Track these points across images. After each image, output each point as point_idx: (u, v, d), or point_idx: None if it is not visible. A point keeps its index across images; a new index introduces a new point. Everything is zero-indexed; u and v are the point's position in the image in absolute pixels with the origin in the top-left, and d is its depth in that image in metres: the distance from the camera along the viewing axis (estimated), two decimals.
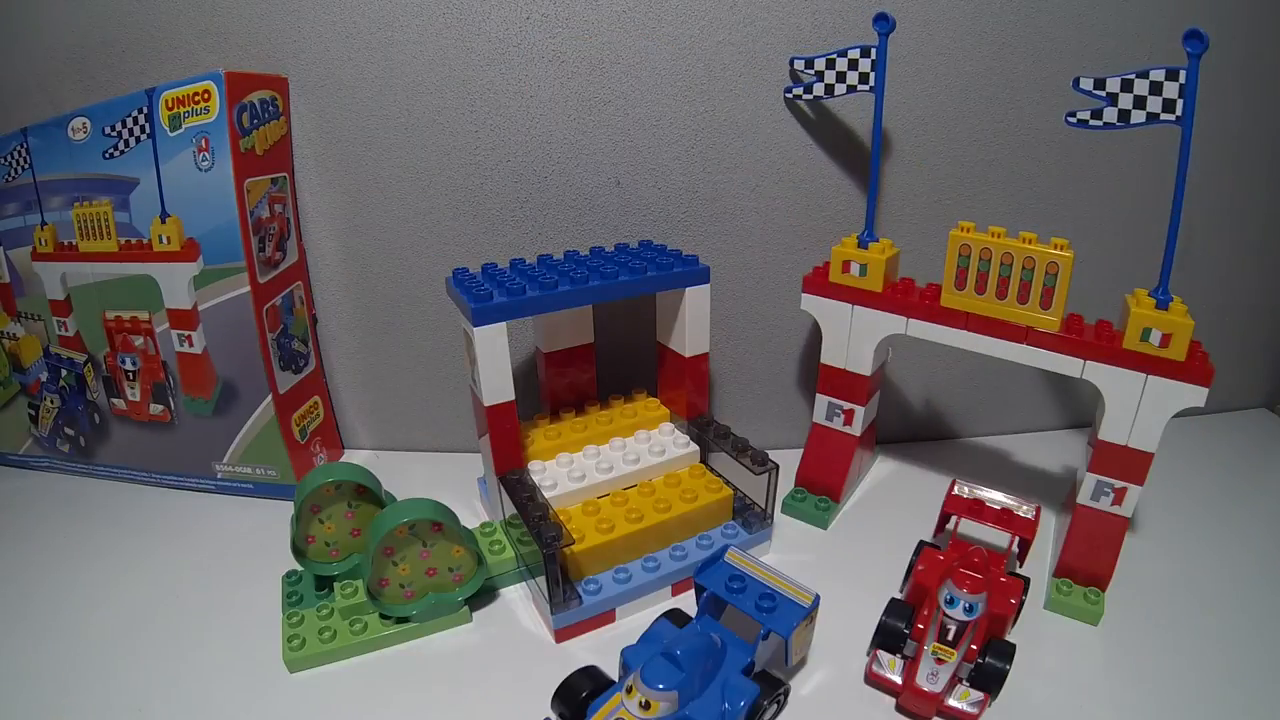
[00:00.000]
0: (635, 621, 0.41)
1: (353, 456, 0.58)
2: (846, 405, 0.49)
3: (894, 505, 0.51)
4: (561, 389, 0.51)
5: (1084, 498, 0.43)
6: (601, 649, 0.39)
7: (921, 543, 0.43)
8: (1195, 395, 0.38)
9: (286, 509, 0.41)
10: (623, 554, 0.42)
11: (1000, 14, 0.47)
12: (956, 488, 0.44)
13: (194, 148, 0.43)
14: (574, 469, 0.45)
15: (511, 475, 0.44)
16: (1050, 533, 0.48)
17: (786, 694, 0.35)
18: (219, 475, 0.51)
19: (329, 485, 0.40)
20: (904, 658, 0.37)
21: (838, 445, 0.50)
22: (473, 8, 0.46)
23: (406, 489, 0.44)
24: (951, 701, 0.34)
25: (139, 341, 0.47)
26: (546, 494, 0.43)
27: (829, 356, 0.49)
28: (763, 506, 0.46)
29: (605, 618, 0.41)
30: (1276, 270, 0.60)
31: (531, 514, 0.40)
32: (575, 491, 0.44)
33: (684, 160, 0.50)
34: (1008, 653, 0.35)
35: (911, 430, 0.60)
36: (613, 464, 0.46)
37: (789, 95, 0.48)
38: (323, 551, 0.42)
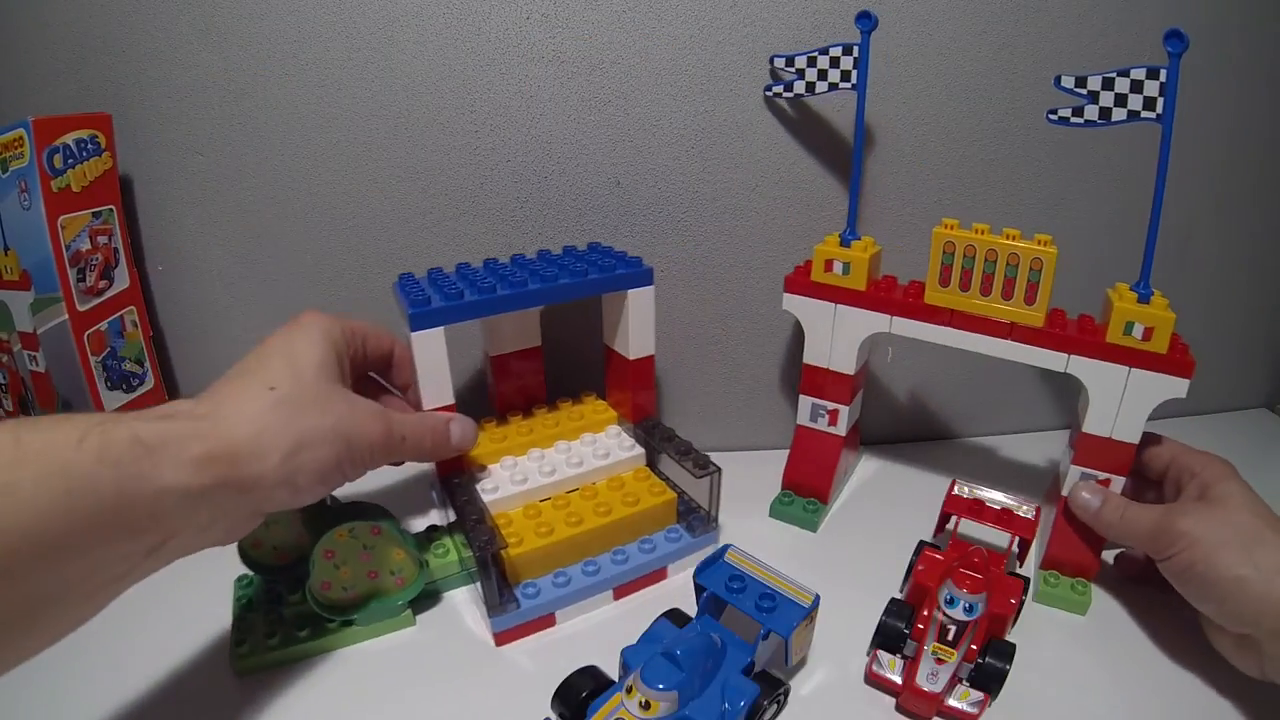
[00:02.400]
0: (575, 626, 0.40)
1: None
2: (830, 405, 0.49)
3: (887, 505, 0.51)
4: (510, 392, 0.51)
5: (1068, 490, 0.43)
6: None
7: (921, 543, 0.43)
8: (1177, 387, 0.38)
9: None
10: (565, 557, 0.41)
11: (999, 13, 0.47)
12: (956, 488, 0.43)
13: (17, 189, 0.46)
14: (516, 472, 0.44)
15: (453, 478, 0.43)
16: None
17: (786, 694, 0.35)
18: None
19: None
20: (904, 658, 0.37)
21: (823, 446, 0.50)
22: (473, 8, 0.46)
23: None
24: (951, 701, 0.34)
25: (4, 359, 0.51)
26: (488, 497, 0.42)
27: (812, 356, 0.48)
28: (707, 509, 0.45)
29: (545, 621, 0.40)
30: (1276, 270, 0.60)
31: (468, 517, 0.39)
32: (516, 495, 0.43)
33: (684, 160, 0.50)
34: (1008, 653, 0.35)
35: (902, 430, 0.59)
36: (555, 467, 0.45)
37: (769, 93, 0.48)
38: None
